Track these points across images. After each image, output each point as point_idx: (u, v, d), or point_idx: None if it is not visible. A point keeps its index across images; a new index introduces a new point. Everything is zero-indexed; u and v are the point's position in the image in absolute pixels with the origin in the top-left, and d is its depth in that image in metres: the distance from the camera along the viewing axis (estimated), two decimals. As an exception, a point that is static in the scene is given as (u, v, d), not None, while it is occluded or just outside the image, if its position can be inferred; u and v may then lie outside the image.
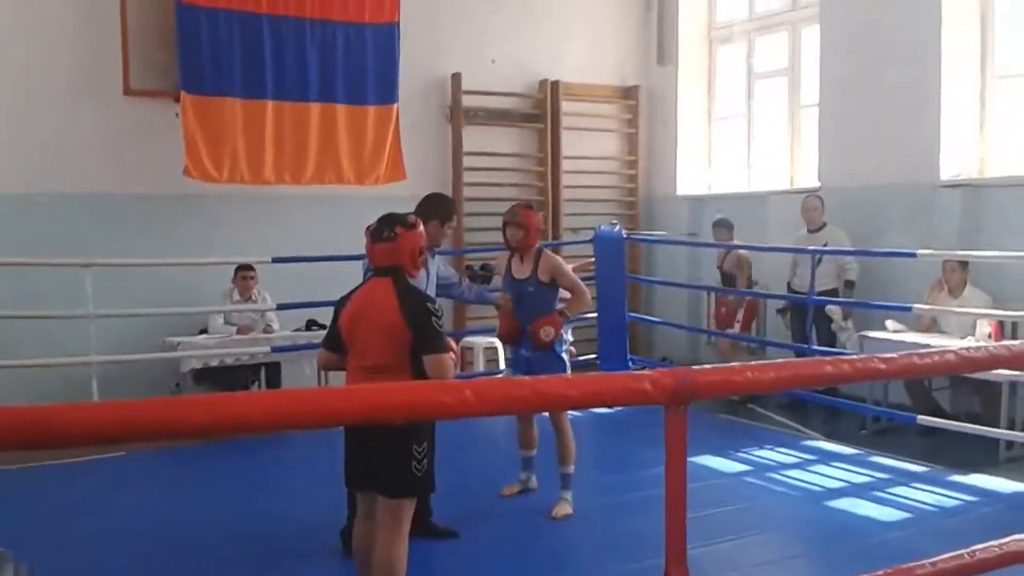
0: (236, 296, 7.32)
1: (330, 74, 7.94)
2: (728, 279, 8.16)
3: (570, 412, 4.95)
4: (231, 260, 7.27)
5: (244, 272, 7.27)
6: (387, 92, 8.20)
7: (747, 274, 8.03)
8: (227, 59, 7.48)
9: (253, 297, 7.35)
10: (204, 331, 7.35)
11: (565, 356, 5.02)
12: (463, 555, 4.32)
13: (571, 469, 4.89)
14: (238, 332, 7.24)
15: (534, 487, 5.12)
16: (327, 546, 4.27)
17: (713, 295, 8.67)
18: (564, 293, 5.00)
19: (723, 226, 8.13)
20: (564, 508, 4.82)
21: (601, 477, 5.58)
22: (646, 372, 1.63)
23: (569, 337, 5.25)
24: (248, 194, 7.85)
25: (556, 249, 7.26)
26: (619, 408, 6.62)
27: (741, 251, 7.98)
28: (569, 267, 5.14)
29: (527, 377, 1.56)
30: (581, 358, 8.00)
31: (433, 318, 3.33)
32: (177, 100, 7.36)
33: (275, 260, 7.08)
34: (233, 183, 7.61)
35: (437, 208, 4.66)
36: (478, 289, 5.34)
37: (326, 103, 7.95)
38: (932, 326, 6.72)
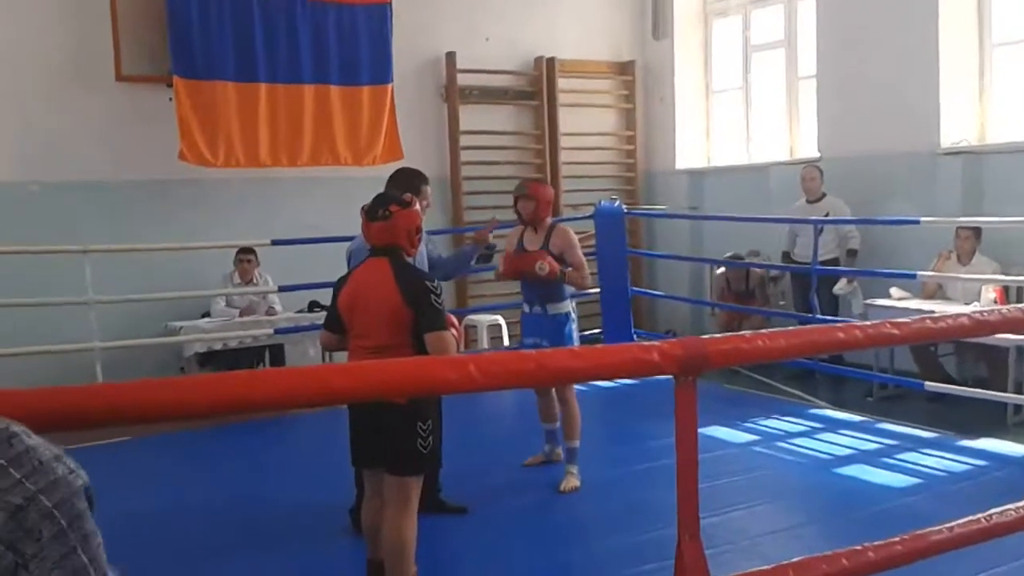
0: (237, 279, 7.31)
1: (323, 55, 7.89)
2: (747, 296, 8.14)
3: (577, 386, 4.95)
4: (231, 244, 7.25)
5: (244, 255, 7.25)
6: (381, 72, 8.14)
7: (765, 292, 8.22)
8: (218, 42, 7.42)
9: (254, 280, 7.34)
10: (206, 315, 7.34)
11: (575, 335, 5.02)
12: (473, 530, 4.32)
13: (577, 443, 4.90)
14: (240, 315, 7.23)
15: (559, 458, 5.13)
16: (337, 526, 4.27)
17: (714, 268, 8.68)
18: None
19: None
20: (572, 481, 4.83)
21: (610, 449, 5.58)
22: (655, 343, 1.60)
23: (574, 315, 5.23)
24: (245, 177, 7.82)
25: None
26: (625, 381, 6.64)
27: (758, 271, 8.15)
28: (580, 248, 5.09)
29: (533, 351, 1.53)
30: (586, 332, 7.99)
31: (432, 296, 3.29)
32: (170, 85, 7.31)
33: (275, 243, 7.07)
34: (229, 167, 7.58)
35: (406, 185, 4.42)
36: (455, 254, 5.25)
37: (320, 84, 7.91)
38: (936, 293, 6.69)
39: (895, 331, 1.76)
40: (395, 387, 1.54)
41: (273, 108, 7.70)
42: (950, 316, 1.84)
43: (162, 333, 7.12)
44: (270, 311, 7.38)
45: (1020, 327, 2.21)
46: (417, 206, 3.51)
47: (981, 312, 1.92)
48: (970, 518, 1.99)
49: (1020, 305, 2.27)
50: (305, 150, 7.86)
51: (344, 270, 3.59)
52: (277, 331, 7.12)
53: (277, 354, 7.32)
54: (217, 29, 7.41)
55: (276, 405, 1.40)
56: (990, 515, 2.02)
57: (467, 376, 1.44)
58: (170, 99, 7.33)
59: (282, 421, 6.03)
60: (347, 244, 4.63)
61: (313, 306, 7.56)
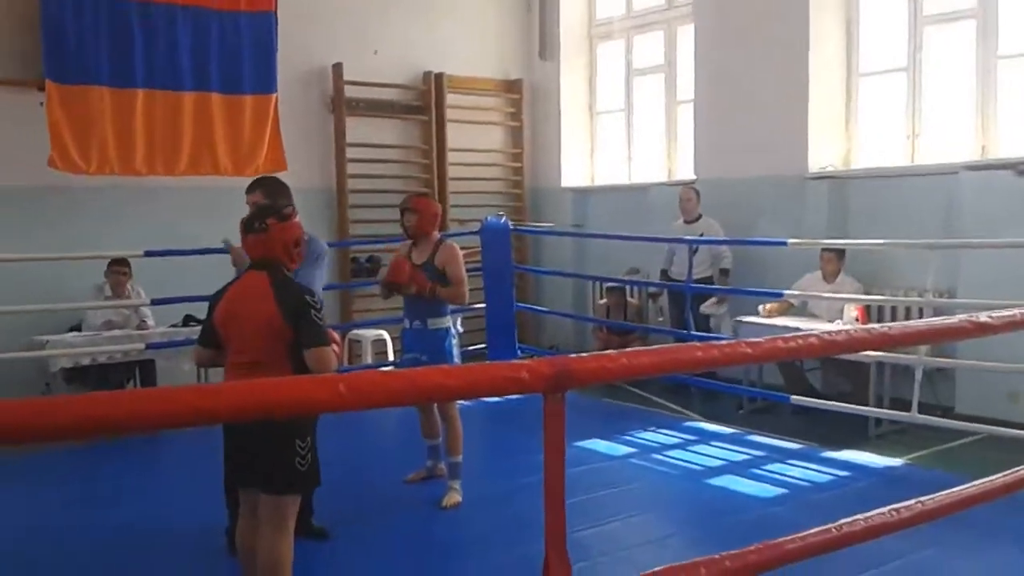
0: (108, 292, 7.03)
1: (204, 62, 7.73)
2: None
3: (460, 402, 4.98)
4: (102, 254, 6.97)
5: (117, 267, 6.98)
6: (265, 81, 8.02)
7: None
8: (94, 46, 7.20)
9: (127, 292, 7.07)
10: (74, 329, 7.04)
11: (456, 350, 5.06)
12: (354, 547, 4.28)
13: (459, 458, 4.93)
14: (108, 329, 6.94)
15: (442, 473, 5.13)
16: (209, 548, 4.16)
17: (599, 285, 8.89)
18: None
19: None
20: (454, 497, 4.86)
21: (493, 464, 5.63)
22: (524, 361, 1.64)
23: (459, 328, 5.28)
24: (118, 185, 7.57)
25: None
26: (507, 396, 6.71)
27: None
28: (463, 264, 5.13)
29: (407, 368, 1.55)
30: (471, 348, 8.03)
31: (312, 311, 3.23)
32: (41, 89, 7.02)
33: (148, 254, 6.83)
34: (102, 174, 7.34)
35: (284, 194, 4.22)
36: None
37: (201, 92, 7.74)
38: (783, 310, 6.99)
39: (749, 350, 1.86)
40: (265, 408, 1.53)
41: (150, 115, 7.49)
42: (801, 336, 1.96)
43: (28, 347, 6.77)
44: (142, 325, 7.12)
45: (867, 346, 2.37)
46: (297, 218, 3.47)
47: (830, 332, 2.04)
48: (821, 528, 2.11)
49: (871, 325, 2.43)
50: (183, 158, 7.67)
51: (222, 283, 3.49)
52: (149, 346, 6.88)
53: (148, 370, 7.04)
54: (92, 33, 7.18)
55: (143, 427, 1.38)
56: (840, 525, 2.14)
57: (338, 395, 1.45)
58: (41, 104, 7.03)
59: (145, 441, 5.80)
60: None
61: (188, 320, 7.34)
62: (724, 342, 1.84)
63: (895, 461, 5.62)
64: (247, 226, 3.35)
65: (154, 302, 6.96)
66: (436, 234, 5.06)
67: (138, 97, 7.41)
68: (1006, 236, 5.95)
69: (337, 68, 8.74)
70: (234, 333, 3.30)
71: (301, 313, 3.22)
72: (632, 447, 6.10)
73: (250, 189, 4.30)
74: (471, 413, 5.22)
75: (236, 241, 4.66)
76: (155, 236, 7.22)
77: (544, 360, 1.65)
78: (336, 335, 3.61)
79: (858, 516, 2.24)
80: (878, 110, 7.53)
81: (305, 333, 3.21)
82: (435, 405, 5.05)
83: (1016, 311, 2.39)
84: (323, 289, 4.51)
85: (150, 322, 7.19)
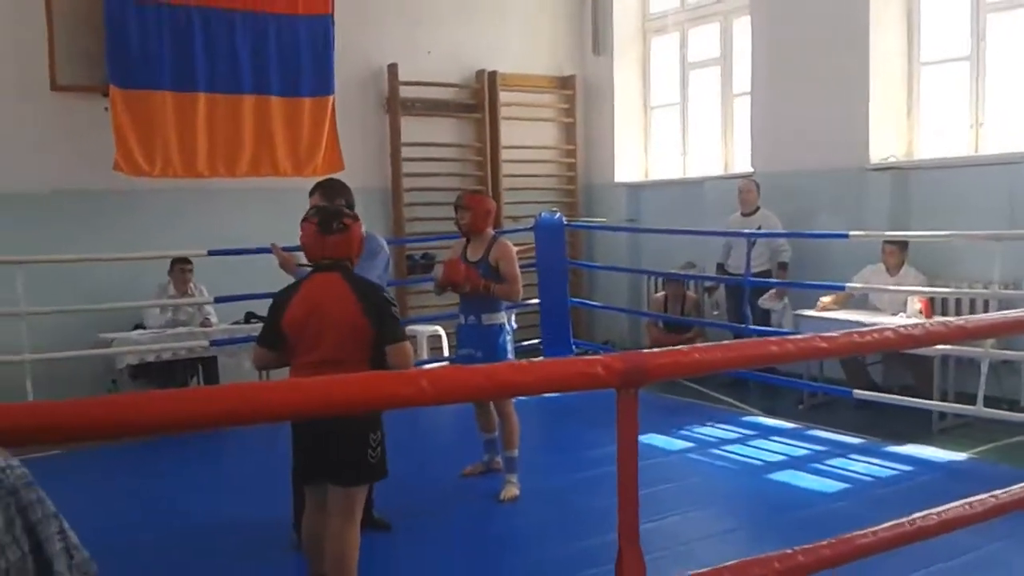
0: (172, 290, 7.21)
1: (263, 66, 7.86)
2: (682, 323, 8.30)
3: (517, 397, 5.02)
4: (166, 254, 7.15)
5: (180, 265, 7.16)
6: (322, 83, 8.13)
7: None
8: (156, 52, 7.35)
9: (190, 291, 7.25)
10: (139, 327, 7.22)
11: (509, 346, 5.09)
12: (412, 541, 4.34)
13: (516, 453, 4.96)
14: (174, 326, 7.12)
15: (498, 467, 5.18)
16: (276, 542, 4.25)
17: (654, 280, 8.86)
18: None
19: None
20: (511, 491, 4.89)
21: (548, 459, 5.66)
22: (598, 357, 1.67)
23: (512, 324, 5.31)
24: (181, 188, 7.74)
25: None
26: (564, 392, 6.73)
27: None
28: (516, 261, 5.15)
29: (480, 364, 1.59)
30: (525, 343, 8.06)
31: (392, 307, 3.34)
32: (106, 94, 7.22)
33: (211, 253, 6.98)
34: (165, 177, 7.50)
35: (345, 195, 4.30)
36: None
37: (260, 95, 7.88)
38: (843, 301, 6.87)
39: (824, 344, 1.85)
40: (349, 404, 1.58)
41: (211, 118, 7.64)
42: (876, 330, 1.95)
43: (94, 345, 6.98)
44: (205, 322, 7.28)
45: (943, 339, 2.34)
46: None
47: (905, 326, 2.03)
48: (894, 522, 2.10)
49: (944, 319, 2.41)
50: (244, 160, 7.81)
51: (283, 282, 3.55)
52: (213, 343, 7.03)
53: (211, 367, 7.21)
54: (155, 39, 7.33)
55: (226, 423, 1.43)
56: (913, 519, 2.12)
57: (421, 391, 1.49)
58: (106, 108, 7.22)
59: (211, 436, 5.92)
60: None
61: (250, 317, 7.49)
62: (799, 336, 1.84)
63: (959, 455, 5.53)
64: (325, 227, 3.38)
65: (217, 300, 7.12)
66: (490, 231, 5.08)
67: (200, 101, 7.57)
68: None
69: (392, 69, 8.84)
70: (309, 333, 3.31)
71: (383, 310, 3.31)
72: (691, 442, 6.08)
73: (313, 192, 4.38)
74: (526, 408, 5.24)
75: (282, 242, 4.80)
76: (216, 236, 7.36)
77: (619, 355, 1.67)
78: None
79: (931, 510, 2.22)
80: (941, 99, 7.38)
81: (388, 330, 3.30)
82: (492, 400, 5.09)
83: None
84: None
85: (213, 319, 7.35)
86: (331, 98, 8.18)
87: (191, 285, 7.25)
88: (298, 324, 3.34)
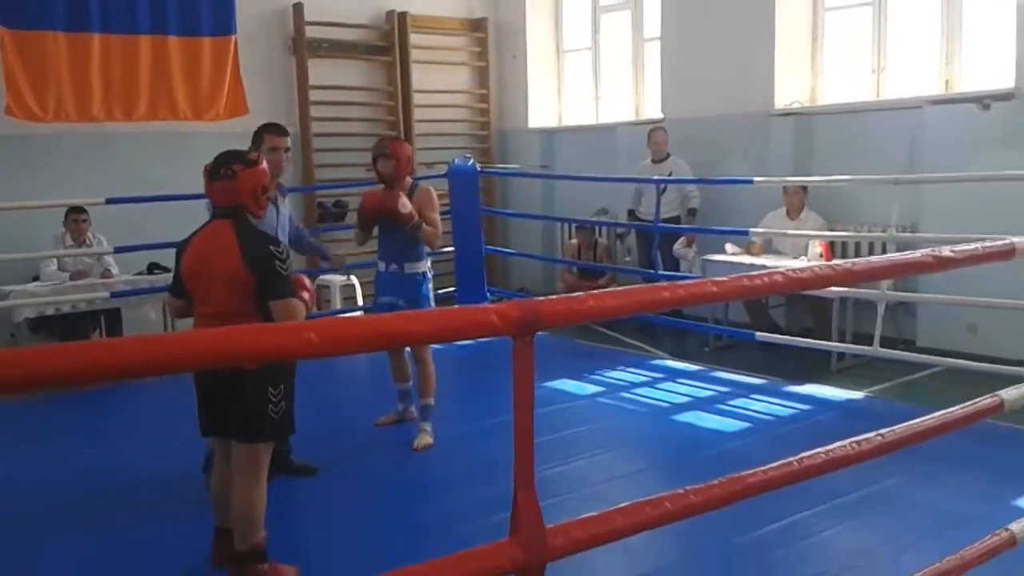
0: (69, 241, 6.93)
1: (160, 4, 7.57)
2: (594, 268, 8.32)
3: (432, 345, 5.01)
4: (60, 203, 6.85)
5: (76, 215, 6.89)
6: (223, 23, 7.85)
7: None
8: (47, -10, 6.98)
9: (88, 241, 6.98)
10: (36, 279, 6.94)
11: (431, 294, 5.05)
12: (325, 491, 4.32)
13: (431, 401, 4.97)
14: (72, 278, 6.86)
15: (412, 417, 5.18)
16: (183, 495, 4.18)
17: (567, 226, 8.90)
18: None
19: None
20: (425, 439, 4.90)
21: (463, 406, 5.68)
22: (492, 305, 1.65)
23: (430, 274, 5.26)
24: (79, 133, 7.44)
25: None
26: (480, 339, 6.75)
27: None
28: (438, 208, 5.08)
29: (374, 315, 1.56)
30: (440, 291, 8.02)
31: (276, 261, 3.15)
32: (-6, 35, 6.83)
33: (109, 201, 6.70)
34: (59, 121, 7.20)
35: (255, 140, 4.33)
36: (315, 243, 5.20)
37: (157, 35, 7.57)
38: (764, 248, 7.06)
39: (715, 289, 1.88)
40: (233, 357, 1.53)
41: (106, 60, 7.34)
42: (766, 273, 1.98)
43: (-11, 298, 6.69)
44: (106, 274, 7.04)
45: (832, 282, 2.40)
46: (264, 165, 3.37)
47: (794, 270, 2.07)
48: (783, 461, 2.16)
49: (834, 262, 2.47)
50: (142, 104, 7.52)
51: (186, 230, 3.42)
52: (114, 295, 6.81)
53: (114, 319, 7.01)
54: (45, -24, 6.95)
55: (105, 378, 1.36)
56: (801, 458, 2.18)
57: (308, 343, 1.45)
58: (-6, 50, 6.85)
59: (113, 391, 5.76)
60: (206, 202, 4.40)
61: (153, 268, 7.28)
62: (690, 282, 1.85)
63: (857, 394, 5.75)
64: (213, 173, 3.27)
65: (117, 250, 6.88)
66: (409, 178, 5.00)
67: (94, 42, 7.25)
68: (969, 170, 6.02)
69: (297, 8, 8.56)
70: (200, 283, 3.25)
71: (265, 264, 3.14)
72: (600, 386, 6.17)
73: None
74: (441, 356, 5.23)
75: (182, 189, 4.63)
76: (117, 184, 7.09)
77: (513, 303, 1.65)
78: (307, 281, 3.58)
79: (819, 449, 2.29)
80: (844, 45, 7.52)
81: (269, 285, 3.15)
82: (407, 349, 5.07)
83: (978, 245, 2.43)
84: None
85: (114, 271, 7.12)
86: (233, 38, 7.90)
87: (89, 235, 6.98)
88: (190, 274, 3.27)
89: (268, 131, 4.37)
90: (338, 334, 1.50)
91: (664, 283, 1.96)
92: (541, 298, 1.76)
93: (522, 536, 1.72)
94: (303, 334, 1.44)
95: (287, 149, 4.40)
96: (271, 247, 3.20)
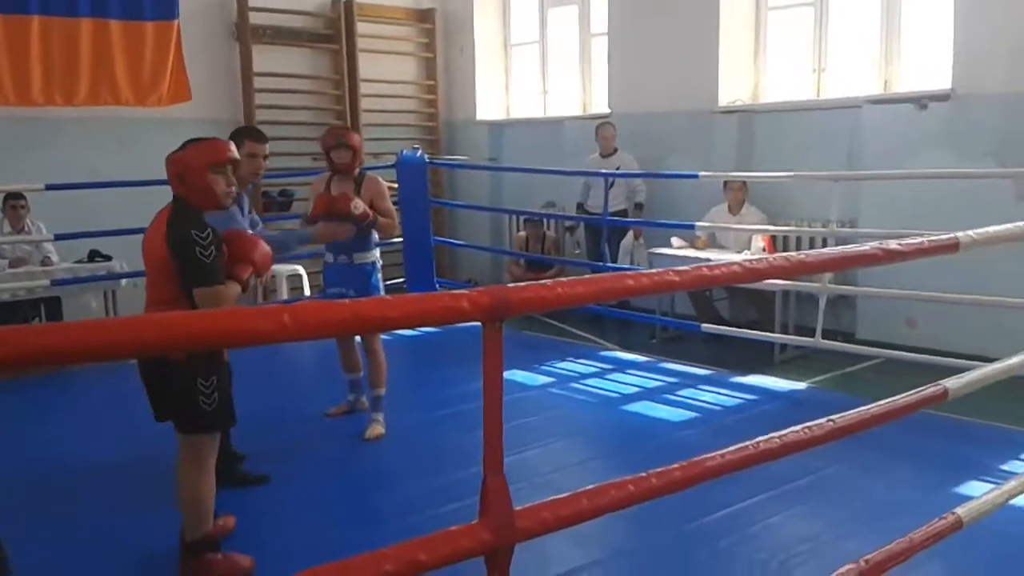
0: (7, 228, 6.74)
1: (101, -13, 7.35)
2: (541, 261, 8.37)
3: (382, 335, 4.99)
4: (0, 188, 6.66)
5: (13, 201, 6.71)
6: (165, 7, 7.72)
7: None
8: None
9: (26, 228, 6.79)
10: (-29, 267, 6.74)
11: (381, 284, 5.03)
12: (278, 483, 4.28)
13: (382, 391, 4.96)
14: (10, 266, 6.68)
15: (364, 407, 5.16)
16: (141, 484, 4.11)
17: (515, 218, 8.94)
18: None
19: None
20: (376, 429, 4.89)
21: (413, 396, 5.67)
22: (463, 292, 1.67)
23: (379, 264, 5.24)
24: (19, 117, 7.22)
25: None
26: (423, 329, 6.75)
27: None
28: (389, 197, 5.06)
29: (346, 300, 1.56)
30: (389, 282, 7.99)
31: (196, 248, 2.98)
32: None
33: (49, 188, 6.54)
34: (-3, 105, 6.97)
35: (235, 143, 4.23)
36: (291, 234, 5.08)
37: (98, 18, 7.40)
38: (709, 243, 7.21)
39: (676, 278, 1.93)
40: (196, 341, 1.52)
41: (46, 43, 7.15)
42: (724, 264, 2.04)
43: (-80, 286, 6.47)
44: (45, 261, 6.86)
45: (787, 273, 2.47)
46: (196, 153, 3.16)
47: (751, 260, 2.13)
48: (740, 445, 2.22)
49: (786, 254, 2.54)
50: (82, 88, 7.35)
51: (132, 218, 3.35)
52: (54, 283, 6.64)
53: (54, 308, 6.84)
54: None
55: (42, 364, 1.32)
56: (758, 443, 2.25)
57: (282, 326, 1.44)
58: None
59: (52, 380, 5.62)
60: None
61: (94, 255, 7.11)
62: (654, 271, 1.90)
63: (799, 385, 5.90)
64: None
65: (57, 237, 6.70)
66: (356, 169, 4.98)
67: (32, 24, 7.07)
68: (906, 168, 6.23)
69: (242, -7, 8.43)
70: (146, 269, 3.21)
71: (185, 249, 3.00)
72: (551, 377, 6.23)
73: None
74: (390, 346, 5.22)
75: (127, 176, 4.53)
76: (57, 170, 6.91)
77: (484, 290, 1.68)
78: (262, 248, 3.36)
79: (774, 434, 2.36)
80: (786, 44, 7.68)
81: (189, 272, 3.02)
82: (356, 339, 5.05)
83: (923, 239, 2.52)
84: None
85: (54, 258, 6.94)
86: (175, 23, 7.76)
87: (27, 222, 6.80)
88: (144, 260, 3.22)
89: (249, 136, 4.27)
90: (313, 319, 1.51)
91: (629, 272, 2.01)
92: (511, 285, 1.79)
93: (491, 518, 1.76)
94: (278, 317, 1.44)
95: (266, 156, 4.30)
96: (193, 231, 3.02)
